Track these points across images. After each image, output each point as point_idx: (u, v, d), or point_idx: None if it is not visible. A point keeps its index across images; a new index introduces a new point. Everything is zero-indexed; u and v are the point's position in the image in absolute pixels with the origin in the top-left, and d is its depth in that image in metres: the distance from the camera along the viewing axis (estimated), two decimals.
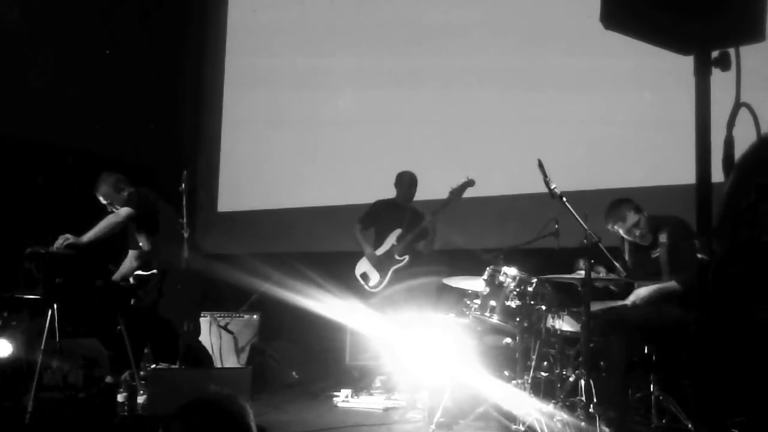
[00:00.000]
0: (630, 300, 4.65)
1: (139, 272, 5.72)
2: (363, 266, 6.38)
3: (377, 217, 6.50)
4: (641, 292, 4.63)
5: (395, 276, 6.20)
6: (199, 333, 5.85)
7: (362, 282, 6.34)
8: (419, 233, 6.20)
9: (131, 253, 5.87)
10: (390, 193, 6.51)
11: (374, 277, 6.30)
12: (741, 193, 1.69)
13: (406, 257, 6.20)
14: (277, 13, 8.45)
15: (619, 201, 4.81)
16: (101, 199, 5.69)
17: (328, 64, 7.88)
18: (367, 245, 6.40)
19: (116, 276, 5.65)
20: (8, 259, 5.02)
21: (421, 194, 6.45)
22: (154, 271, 5.70)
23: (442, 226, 6.17)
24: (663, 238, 4.67)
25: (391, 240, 6.31)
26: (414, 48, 7.31)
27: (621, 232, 4.79)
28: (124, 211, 5.47)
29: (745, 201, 1.68)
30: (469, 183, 6.02)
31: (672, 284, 4.59)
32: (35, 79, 7.53)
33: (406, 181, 6.41)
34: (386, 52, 7.51)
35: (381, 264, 6.28)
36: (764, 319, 1.72)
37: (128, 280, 5.65)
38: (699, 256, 1.78)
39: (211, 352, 6.58)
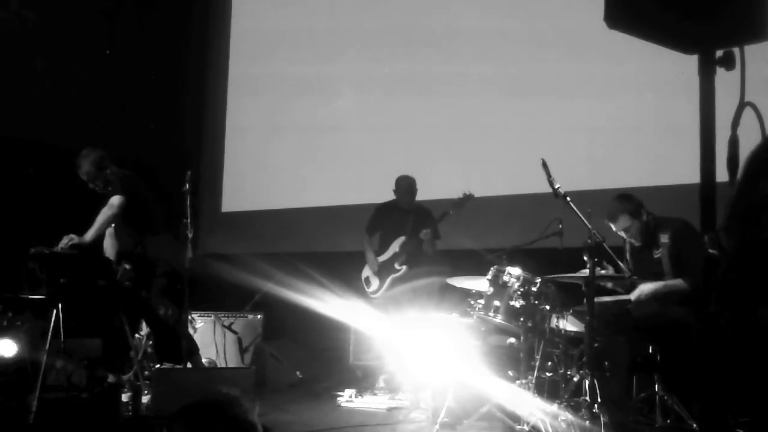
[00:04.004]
0: (634, 295, 4.62)
1: (125, 266, 5.62)
2: (367, 271, 6.50)
3: (381, 223, 6.54)
4: (645, 288, 4.60)
5: (392, 284, 6.31)
6: (177, 319, 5.77)
7: (365, 286, 6.47)
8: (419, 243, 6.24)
9: (108, 231, 5.69)
10: (392, 193, 6.50)
11: (375, 282, 6.42)
12: (748, 193, 1.69)
13: (404, 268, 6.28)
14: (279, 17, 8.45)
15: (616, 199, 4.76)
16: (83, 177, 5.57)
17: (330, 67, 7.88)
18: (371, 254, 6.47)
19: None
20: (12, 260, 5.02)
21: (424, 195, 6.44)
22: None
23: (446, 227, 6.17)
24: (665, 238, 4.65)
25: (393, 248, 6.38)
26: (416, 52, 7.29)
27: (614, 229, 4.78)
28: (117, 200, 5.38)
29: (752, 201, 1.68)
30: (469, 197, 6.04)
31: (679, 282, 4.56)
32: (35, 78, 7.55)
33: (404, 188, 6.39)
34: (388, 56, 7.51)
35: (381, 271, 6.39)
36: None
37: (131, 278, 5.59)
38: (710, 251, 1.78)
39: (215, 352, 6.59)
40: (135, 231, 5.61)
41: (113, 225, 5.62)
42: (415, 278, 6.20)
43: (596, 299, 4.37)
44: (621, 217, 4.69)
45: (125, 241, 5.62)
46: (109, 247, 5.74)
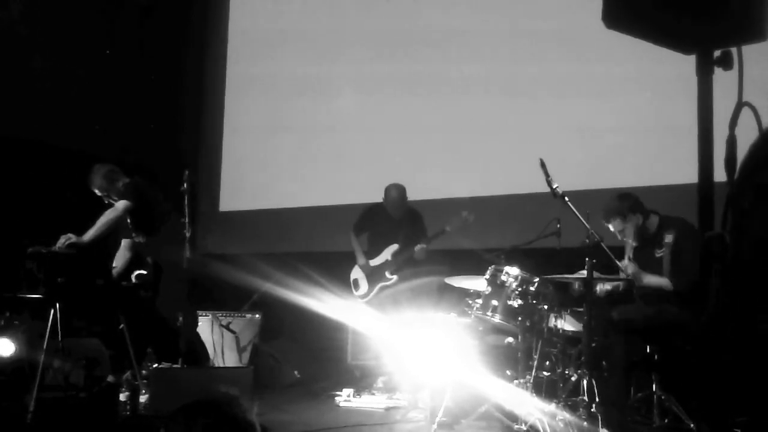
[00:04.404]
0: (623, 264, 4.61)
1: (140, 271, 5.67)
2: (356, 273, 6.48)
3: (370, 224, 6.51)
4: (630, 267, 4.58)
5: (381, 290, 6.31)
6: (195, 325, 5.78)
7: (352, 287, 6.46)
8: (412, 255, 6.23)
9: (124, 242, 5.79)
10: None
11: (363, 286, 6.40)
12: (748, 191, 1.69)
13: (395, 278, 6.27)
14: (277, 17, 8.45)
15: (613, 200, 4.74)
16: (96, 191, 5.62)
17: (329, 67, 7.88)
18: (361, 255, 6.45)
19: (115, 271, 5.63)
20: (10, 259, 5.01)
21: (422, 195, 6.44)
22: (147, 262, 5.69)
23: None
24: (668, 239, 4.63)
25: (386, 255, 6.35)
26: (414, 52, 7.29)
27: (611, 229, 4.77)
28: (122, 205, 5.40)
29: (752, 198, 1.68)
30: (468, 220, 6.02)
31: (664, 281, 4.56)
32: (35, 79, 7.54)
33: (396, 201, 6.30)
34: (386, 56, 7.50)
35: (371, 276, 6.38)
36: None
37: (129, 279, 5.61)
38: (713, 249, 1.78)
39: (212, 351, 6.58)
40: (144, 235, 5.66)
41: (133, 236, 5.65)
42: (414, 277, 6.20)
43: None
44: (613, 221, 4.71)
45: (139, 246, 5.68)
46: (121, 257, 5.76)
